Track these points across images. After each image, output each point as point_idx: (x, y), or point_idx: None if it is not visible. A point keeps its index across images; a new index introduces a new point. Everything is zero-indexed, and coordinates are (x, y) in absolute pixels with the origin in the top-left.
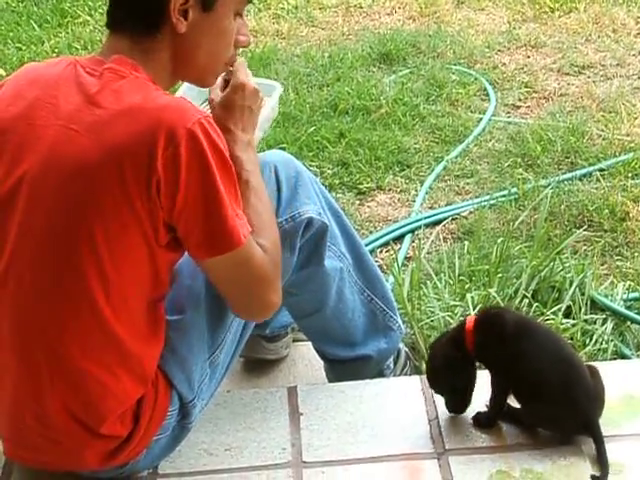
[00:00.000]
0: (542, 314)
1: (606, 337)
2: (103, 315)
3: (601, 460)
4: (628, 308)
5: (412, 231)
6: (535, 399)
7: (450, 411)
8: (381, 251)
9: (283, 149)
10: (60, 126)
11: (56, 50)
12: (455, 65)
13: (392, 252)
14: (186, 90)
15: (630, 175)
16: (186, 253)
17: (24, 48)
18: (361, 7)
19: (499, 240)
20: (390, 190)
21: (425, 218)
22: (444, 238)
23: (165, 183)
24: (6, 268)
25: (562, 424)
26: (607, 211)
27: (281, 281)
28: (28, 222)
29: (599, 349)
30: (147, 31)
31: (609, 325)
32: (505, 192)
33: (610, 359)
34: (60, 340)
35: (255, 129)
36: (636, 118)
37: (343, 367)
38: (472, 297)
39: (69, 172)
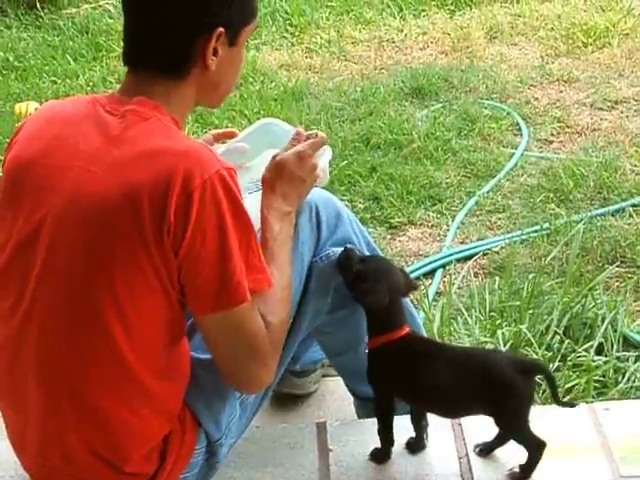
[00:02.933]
0: (574, 351)
1: (639, 374)
2: (124, 356)
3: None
4: None
5: (443, 266)
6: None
7: None
8: None
9: None
10: (80, 168)
11: (90, 84)
12: (487, 100)
13: (423, 287)
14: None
15: None
16: None
17: (59, 82)
18: (393, 42)
19: (530, 276)
20: (421, 225)
21: (456, 253)
22: (475, 273)
23: (175, 229)
24: (29, 309)
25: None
26: None
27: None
28: (49, 264)
29: (631, 387)
30: (175, 72)
31: None
32: (537, 227)
33: None
34: (83, 381)
35: (300, 204)
36: None
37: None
38: (503, 333)
39: (88, 214)
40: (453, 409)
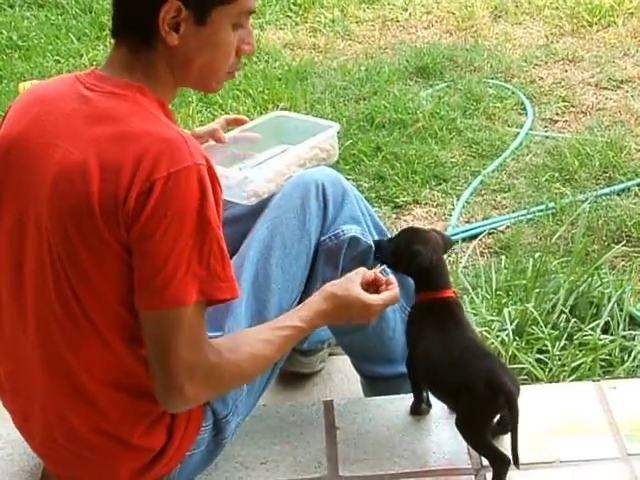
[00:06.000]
0: (580, 330)
1: None
2: (104, 335)
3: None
4: None
5: None
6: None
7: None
8: None
9: None
10: (62, 148)
11: (94, 63)
12: (492, 79)
13: None
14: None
15: None
16: None
17: (62, 61)
18: (398, 21)
19: (536, 255)
20: (426, 204)
21: (462, 232)
22: (481, 252)
23: (132, 212)
24: (25, 296)
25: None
26: None
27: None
28: (37, 249)
29: (637, 365)
30: (143, 43)
31: None
32: (542, 207)
33: None
34: (76, 365)
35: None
36: None
37: (382, 384)
38: (509, 312)
39: (59, 190)
40: (433, 386)
